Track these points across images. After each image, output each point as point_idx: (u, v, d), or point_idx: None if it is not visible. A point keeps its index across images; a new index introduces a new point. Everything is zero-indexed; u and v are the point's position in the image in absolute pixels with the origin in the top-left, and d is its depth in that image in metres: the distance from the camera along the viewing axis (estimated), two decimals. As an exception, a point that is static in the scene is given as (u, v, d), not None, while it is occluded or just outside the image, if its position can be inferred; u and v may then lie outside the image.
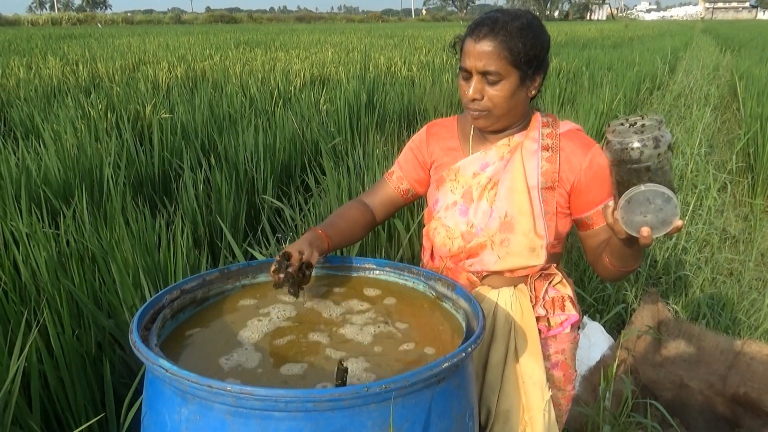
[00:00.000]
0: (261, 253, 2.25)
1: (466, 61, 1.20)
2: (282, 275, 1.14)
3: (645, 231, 0.97)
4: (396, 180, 1.43)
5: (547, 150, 1.26)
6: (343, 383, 0.89)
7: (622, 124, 0.97)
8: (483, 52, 1.17)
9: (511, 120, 1.26)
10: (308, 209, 2.86)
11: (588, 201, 1.25)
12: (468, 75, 1.21)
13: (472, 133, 1.34)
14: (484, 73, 1.18)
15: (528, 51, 1.17)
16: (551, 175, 1.25)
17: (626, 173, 0.97)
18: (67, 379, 1.52)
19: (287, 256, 1.17)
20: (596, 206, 1.24)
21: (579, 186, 1.24)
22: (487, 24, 1.18)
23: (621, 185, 0.99)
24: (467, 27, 1.23)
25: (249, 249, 2.35)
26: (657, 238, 0.99)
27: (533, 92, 1.24)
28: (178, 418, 0.90)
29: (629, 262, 1.15)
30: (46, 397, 1.57)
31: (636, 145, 0.95)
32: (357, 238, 1.43)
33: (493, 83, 1.19)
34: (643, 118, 0.96)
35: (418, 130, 1.46)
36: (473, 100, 1.21)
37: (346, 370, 0.89)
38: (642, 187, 0.95)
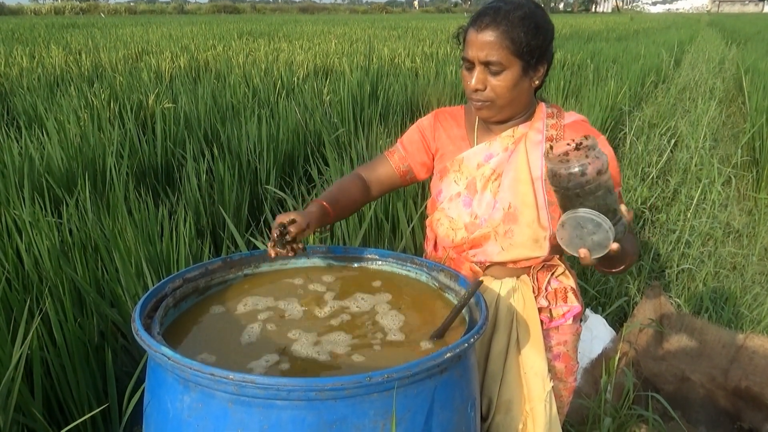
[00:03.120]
0: (263, 243, 2.25)
1: (468, 51, 1.19)
2: (276, 250, 1.14)
3: (582, 252, 0.99)
4: (398, 160, 1.40)
5: (551, 141, 1.25)
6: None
7: (567, 145, 0.98)
8: (485, 42, 1.16)
9: (514, 110, 1.25)
10: (311, 200, 2.86)
11: None
12: (471, 65, 1.20)
13: (477, 124, 1.33)
14: (486, 63, 1.18)
15: (530, 41, 1.17)
16: None
17: (560, 198, 0.99)
18: (69, 368, 1.52)
19: (290, 223, 1.14)
20: None
21: None
22: (489, 14, 1.17)
23: (561, 207, 1.01)
24: (470, 17, 1.23)
25: (251, 239, 2.35)
26: (598, 258, 1.00)
27: (537, 82, 1.24)
28: (180, 405, 0.90)
29: (608, 265, 1.15)
30: (49, 385, 1.58)
31: (563, 172, 0.96)
32: (349, 215, 1.41)
33: (495, 73, 1.18)
34: (583, 141, 0.97)
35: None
36: (476, 90, 1.21)
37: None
38: (578, 212, 0.97)
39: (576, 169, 0.95)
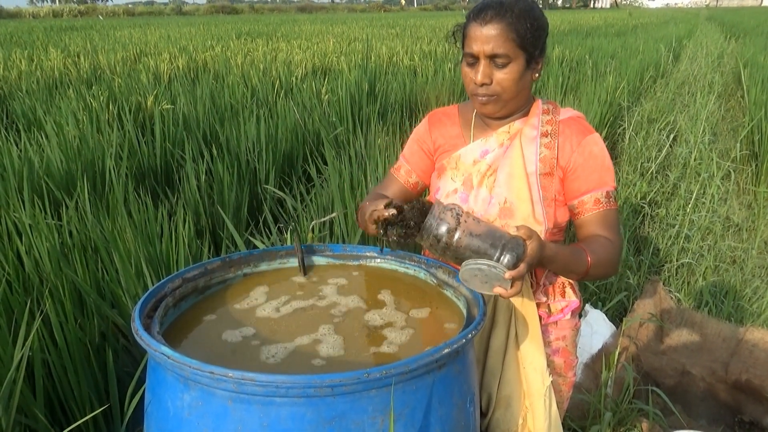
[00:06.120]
0: (262, 242, 2.26)
1: (472, 46, 1.19)
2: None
3: (496, 291, 1.04)
4: (405, 174, 1.42)
5: (546, 136, 1.26)
6: None
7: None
8: (490, 35, 1.17)
9: (518, 104, 1.26)
10: (310, 199, 2.86)
11: (574, 188, 1.24)
12: (474, 60, 1.21)
13: (474, 121, 1.34)
14: (492, 57, 1.18)
15: (533, 33, 1.18)
16: (550, 161, 1.25)
17: (451, 260, 1.09)
18: (71, 368, 1.53)
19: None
20: (582, 195, 1.24)
21: (568, 172, 1.25)
22: (492, 7, 1.18)
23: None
24: (469, 13, 1.23)
25: (251, 238, 2.36)
26: (506, 289, 1.05)
27: (536, 75, 1.25)
28: (180, 404, 0.90)
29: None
30: (51, 386, 1.58)
31: (427, 245, 1.07)
32: None
33: (501, 66, 1.19)
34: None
35: (421, 119, 1.45)
36: (482, 84, 1.21)
37: None
38: (462, 267, 1.04)
39: (430, 243, 1.05)
